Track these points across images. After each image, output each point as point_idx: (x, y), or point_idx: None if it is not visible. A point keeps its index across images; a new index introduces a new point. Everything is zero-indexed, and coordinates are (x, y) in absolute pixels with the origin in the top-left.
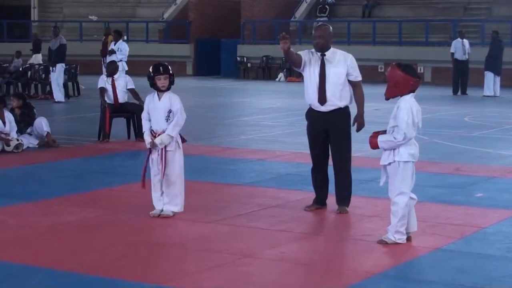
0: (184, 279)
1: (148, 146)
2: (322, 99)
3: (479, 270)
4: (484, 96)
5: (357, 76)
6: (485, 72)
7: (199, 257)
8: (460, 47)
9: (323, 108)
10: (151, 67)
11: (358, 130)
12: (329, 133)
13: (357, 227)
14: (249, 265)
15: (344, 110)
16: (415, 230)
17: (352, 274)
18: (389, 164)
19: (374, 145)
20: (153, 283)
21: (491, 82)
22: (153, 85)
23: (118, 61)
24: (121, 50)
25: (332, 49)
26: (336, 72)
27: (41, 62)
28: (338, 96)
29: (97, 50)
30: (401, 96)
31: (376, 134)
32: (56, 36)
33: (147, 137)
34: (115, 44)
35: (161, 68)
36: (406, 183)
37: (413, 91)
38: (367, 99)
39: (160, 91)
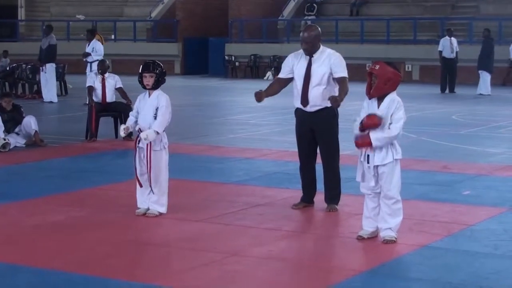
0: (171, 277)
1: (122, 133)
2: (304, 100)
3: (466, 267)
4: (481, 94)
5: (341, 72)
6: (480, 71)
7: (186, 256)
8: (448, 45)
9: (308, 109)
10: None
11: (333, 103)
12: (316, 133)
13: (344, 225)
14: (237, 264)
15: (331, 109)
16: None
17: (340, 272)
18: (385, 164)
19: (367, 144)
20: (140, 281)
21: (488, 81)
22: (140, 82)
23: (94, 61)
24: (96, 50)
25: (321, 48)
26: (320, 72)
27: None
28: (321, 97)
29: (84, 49)
30: (388, 93)
31: (363, 134)
32: (47, 35)
33: (145, 133)
34: (88, 45)
35: (147, 66)
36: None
37: None
38: (355, 98)
39: (145, 88)
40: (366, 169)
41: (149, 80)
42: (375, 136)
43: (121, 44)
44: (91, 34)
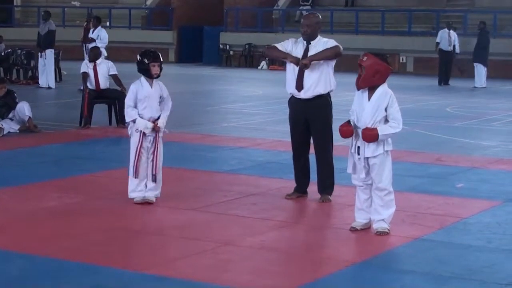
0: (164, 266)
1: (149, 131)
2: (299, 85)
3: (459, 260)
4: (475, 87)
5: (333, 44)
6: (475, 64)
7: (179, 244)
8: (446, 38)
9: (302, 95)
10: (143, 54)
11: (301, 64)
12: (310, 122)
13: (338, 216)
14: (229, 253)
15: (325, 99)
16: None
17: (332, 263)
18: (376, 155)
19: (373, 138)
20: (133, 269)
21: (483, 74)
22: (146, 72)
23: None
24: (101, 38)
25: (318, 37)
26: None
27: None
28: (316, 83)
29: (80, 35)
30: (378, 85)
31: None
32: (45, 21)
33: (144, 122)
34: (93, 31)
35: (156, 55)
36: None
37: None
38: (349, 89)
39: (151, 78)
40: (357, 161)
41: (157, 69)
42: (383, 133)
43: (116, 32)
44: (97, 21)
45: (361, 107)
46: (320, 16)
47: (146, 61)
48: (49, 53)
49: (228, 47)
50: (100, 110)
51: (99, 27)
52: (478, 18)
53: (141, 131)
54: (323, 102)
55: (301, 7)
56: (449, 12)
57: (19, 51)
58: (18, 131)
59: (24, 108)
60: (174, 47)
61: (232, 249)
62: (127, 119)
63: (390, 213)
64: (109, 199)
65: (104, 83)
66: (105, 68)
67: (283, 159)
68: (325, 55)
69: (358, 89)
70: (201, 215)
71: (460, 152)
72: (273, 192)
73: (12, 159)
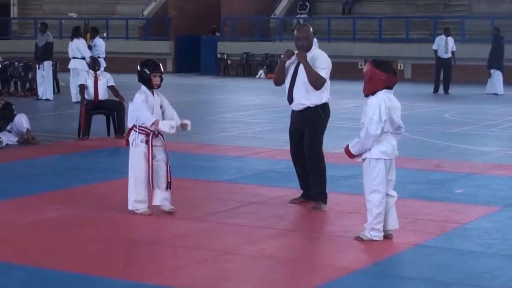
0: (164, 275)
1: (173, 131)
2: (290, 98)
3: (459, 266)
4: (495, 94)
5: (319, 70)
6: (492, 70)
7: (178, 254)
8: (443, 45)
9: (293, 107)
10: (144, 64)
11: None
12: (303, 132)
13: (337, 224)
14: (229, 262)
15: (315, 110)
16: (395, 228)
17: (332, 270)
18: (363, 160)
19: (348, 154)
20: (133, 280)
21: (501, 80)
22: (147, 82)
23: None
24: (96, 45)
25: (312, 49)
26: (304, 71)
27: None
28: (305, 95)
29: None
30: (376, 91)
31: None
32: (43, 33)
33: (167, 123)
34: (92, 41)
35: (158, 66)
36: (379, 181)
37: (389, 87)
38: (347, 96)
39: (152, 88)
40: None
41: (158, 79)
42: (351, 144)
43: (113, 42)
44: (94, 32)
45: None
46: (311, 28)
47: (147, 71)
48: (47, 65)
49: (225, 56)
50: (98, 121)
51: (97, 37)
52: (475, 24)
53: (147, 141)
54: (312, 114)
55: (298, 16)
56: (446, 18)
57: (17, 63)
58: (16, 143)
59: (22, 120)
60: (171, 57)
61: (232, 258)
62: (149, 122)
63: (368, 222)
64: (108, 210)
65: (103, 95)
66: (104, 80)
67: (282, 168)
68: (308, 74)
69: (365, 96)
70: (201, 224)
71: (459, 158)
72: (272, 200)
73: (10, 171)
